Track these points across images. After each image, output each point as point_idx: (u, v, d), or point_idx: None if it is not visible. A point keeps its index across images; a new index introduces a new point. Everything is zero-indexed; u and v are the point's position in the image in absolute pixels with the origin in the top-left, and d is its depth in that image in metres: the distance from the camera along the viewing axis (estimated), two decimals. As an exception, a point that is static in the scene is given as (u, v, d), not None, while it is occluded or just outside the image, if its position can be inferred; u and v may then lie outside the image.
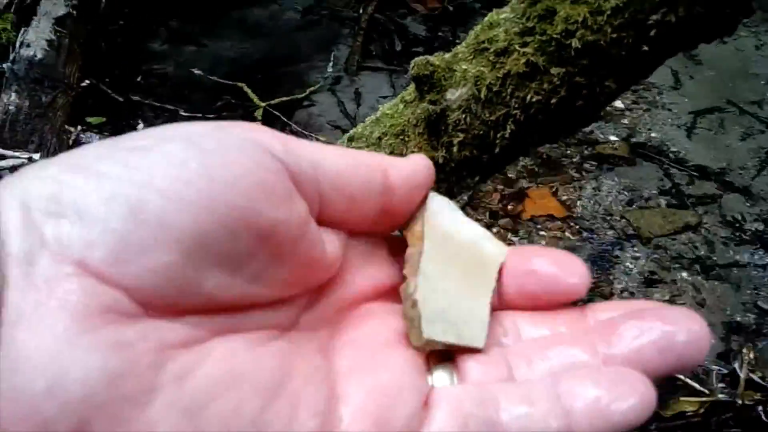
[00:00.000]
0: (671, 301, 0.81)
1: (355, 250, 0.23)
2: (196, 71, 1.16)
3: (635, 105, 1.16)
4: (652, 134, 1.08)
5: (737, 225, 0.90)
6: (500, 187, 1.00)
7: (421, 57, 0.38)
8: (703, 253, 0.86)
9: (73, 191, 0.17)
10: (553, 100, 0.36)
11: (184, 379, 0.17)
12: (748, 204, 0.93)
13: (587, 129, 1.12)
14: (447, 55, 0.40)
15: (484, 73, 0.37)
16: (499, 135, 0.37)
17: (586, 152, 1.06)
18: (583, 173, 1.02)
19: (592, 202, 0.96)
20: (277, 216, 0.19)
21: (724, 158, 1.02)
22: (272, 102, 1.08)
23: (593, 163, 1.04)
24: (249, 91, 1.10)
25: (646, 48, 0.33)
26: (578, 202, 0.96)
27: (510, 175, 1.03)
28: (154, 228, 0.17)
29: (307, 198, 0.20)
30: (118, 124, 1.02)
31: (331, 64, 1.22)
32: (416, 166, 0.23)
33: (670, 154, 1.03)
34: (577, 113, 0.37)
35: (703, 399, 0.70)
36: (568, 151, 1.07)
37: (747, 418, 0.70)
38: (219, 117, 1.09)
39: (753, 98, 1.14)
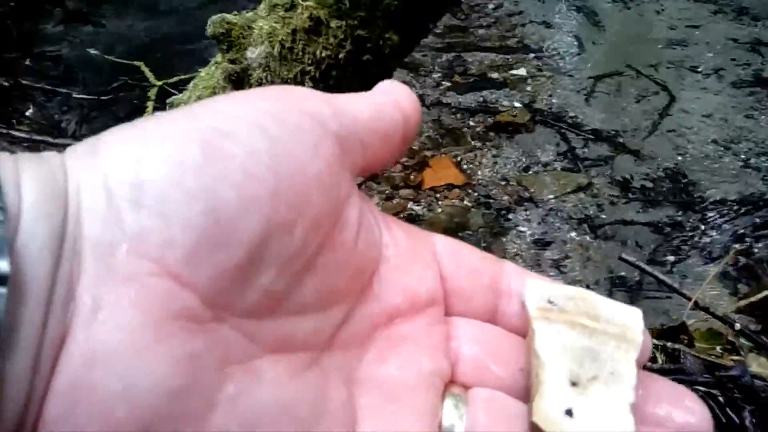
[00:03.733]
0: (561, 260, 0.83)
1: (394, 250, 0.23)
2: (93, 51, 1.12)
3: (539, 72, 1.18)
4: (553, 100, 1.10)
5: (626, 185, 0.92)
6: (403, 158, 1.00)
7: (218, 15, 0.38)
8: (592, 212, 0.88)
9: (155, 180, 0.17)
10: (341, 55, 0.36)
11: (237, 401, 0.17)
12: (638, 164, 0.95)
13: (491, 98, 1.14)
14: (249, 13, 0.39)
15: (276, 30, 0.36)
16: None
17: (489, 121, 1.07)
18: (485, 142, 1.03)
19: (490, 169, 0.97)
20: (327, 204, 0.19)
21: (619, 121, 1.04)
22: (169, 81, 1.05)
23: (495, 131, 1.05)
24: (146, 70, 1.08)
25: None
26: (478, 171, 0.97)
27: (413, 147, 1.03)
28: (228, 226, 0.17)
29: (351, 152, 0.21)
30: (4, 110, 0.98)
31: (234, 40, 1.20)
32: (409, 91, 0.24)
33: (569, 119, 1.05)
34: (368, 68, 0.37)
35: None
36: (471, 122, 1.08)
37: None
38: (115, 99, 1.06)
39: (651, 62, 1.17)
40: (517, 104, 1.10)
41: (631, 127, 1.03)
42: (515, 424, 0.20)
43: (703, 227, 0.85)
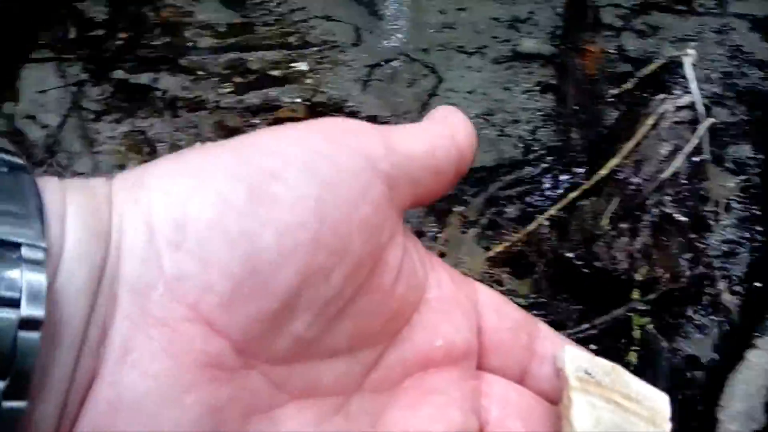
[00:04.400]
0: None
1: (437, 293, 0.21)
2: None
3: (319, 65, 1.21)
4: (332, 92, 1.14)
5: (395, 165, 0.98)
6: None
7: None
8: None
9: (198, 221, 0.16)
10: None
11: None
12: (408, 144, 1.02)
13: (272, 95, 1.16)
14: None
15: None
16: None
17: (269, 118, 1.09)
18: (269, 138, 1.05)
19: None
20: (369, 248, 0.18)
21: (393, 105, 1.10)
22: None
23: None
24: None
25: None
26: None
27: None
28: (265, 274, 0.16)
29: (400, 191, 0.19)
30: None
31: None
32: (467, 121, 0.22)
33: (347, 109, 1.10)
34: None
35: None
36: (255, 121, 1.09)
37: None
38: None
39: (423, 46, 1.24)
40: (297, 99, 1.13)
41: (403, 110, 1.09)
42: None
43: (459, 194, 0.93)
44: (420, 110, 1.09)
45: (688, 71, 0.86)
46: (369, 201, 0.19)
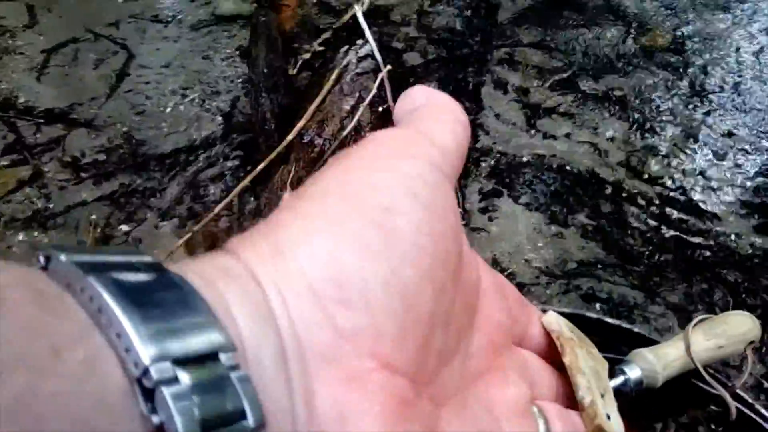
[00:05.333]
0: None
1: (485, 282, 0.23)
2: None
3: (-17, 57, 1.04)
4: (2, 85, 0.98)
5: (77, 163, 0.87)
6: None
7: None
8: (41, 205, 0.82)
9: (353, 273, 0.17)
10: None
11: None
12: (93, 137, 0.91)
13: None
14: None
15: None
16: None
17: None
18: None
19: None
20: (458, 249, 0.19)
21: (75, 93, 0.98)
22: None
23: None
24: None
25: None
26: None
27: None
28: (414, 303, 0.17)
29: (453, 185, 0.20)
30: None
31: None
32: (453, 101, 0.23)
33: (20, 105, 0.95)
34: None
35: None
36: None
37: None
38: None
39: (111, 20, 1.12)
40: (-45, 102, 0.95)
41: (88, 97, 0.97)
42: (581, 429, 0.24)
43: (154, 186, 0.85)
44: (109, 93, 0.98)
45: (361, 20, 0.85)
46: (450, 207, 0.20)
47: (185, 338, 0.14)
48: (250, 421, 0.14)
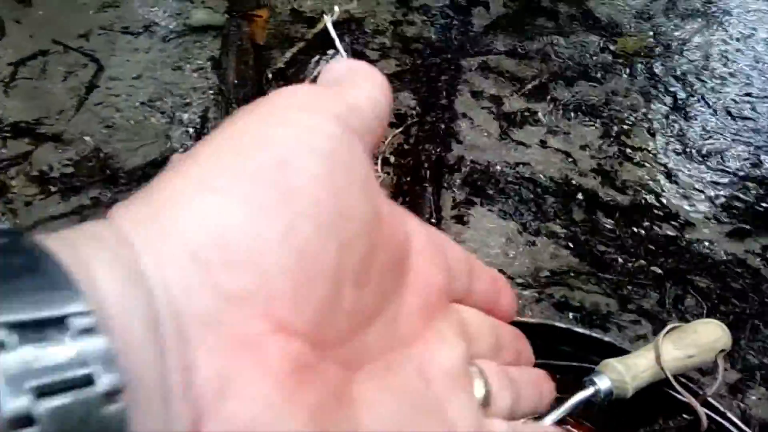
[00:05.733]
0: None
1: (417, 239, 0.22)
2: None
3: (-51, 71, 1.02)
4: (-32, 100, 0.96)
5: (44, 178, 0.86)
6: None
7: None
8: (6, 221, 0.80)
9: (241, 232, 0.16)
10: None
11: (367, 426, 0.17)
12: (60, 151, 0.89)
13: None
14: None
15: None
16: None
17: None
18: None
19: None
20: (370, 205, 0.18)
21: (43, 107, 0.96)
22: None
23: None
24: None
25: None
26: None
27: None
28: (312, 260, 0.16)
29: (365, 144, 0.19)
30: None
31: None
32: (372, 67, 0.22)
33: (-15, 119, 0.94)
34: None
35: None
36: None
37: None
38: None
39: (81, 31, 1.10)
40: None
41: (56, 110, 0.96)
42: (521, 385, 0.24)
43: (124, 200, 0.84)
44: (77, 107, 0.96)
45: (330, 29, 0.85)
46: (358, 160, 0.19)
47: (22, 302, 0.12)
48: (99, 386, 0.13)
